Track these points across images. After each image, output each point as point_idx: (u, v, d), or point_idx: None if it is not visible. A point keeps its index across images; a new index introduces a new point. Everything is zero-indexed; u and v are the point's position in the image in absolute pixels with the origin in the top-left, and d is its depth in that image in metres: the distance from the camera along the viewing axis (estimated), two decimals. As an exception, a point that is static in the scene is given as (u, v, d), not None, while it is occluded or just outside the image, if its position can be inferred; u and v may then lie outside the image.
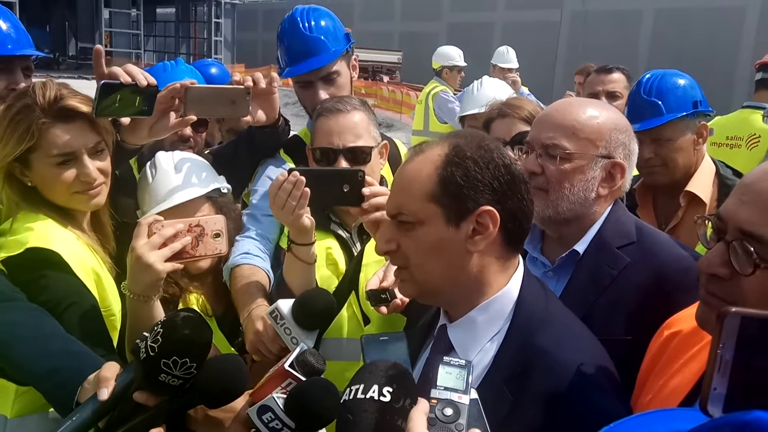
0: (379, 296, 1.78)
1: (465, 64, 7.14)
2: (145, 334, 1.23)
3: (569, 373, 1.22)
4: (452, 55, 7.06)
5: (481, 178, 1.26)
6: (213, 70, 3.45)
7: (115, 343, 1.77)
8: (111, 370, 1.24)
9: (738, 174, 2.44)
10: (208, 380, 1.23)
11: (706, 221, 1.12)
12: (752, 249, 0.96)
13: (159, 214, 1.79)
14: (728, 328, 0.72)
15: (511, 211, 1.28)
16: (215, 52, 33.78)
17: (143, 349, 1.20)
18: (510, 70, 7.09)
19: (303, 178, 1.74)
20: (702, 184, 2.41)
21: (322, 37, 2.30)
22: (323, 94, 2.24)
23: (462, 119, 3.46)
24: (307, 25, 2.31)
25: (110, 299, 1.79)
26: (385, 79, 24.58)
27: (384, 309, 1.80)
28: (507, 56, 7.19)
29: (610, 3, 21.69)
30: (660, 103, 2.44)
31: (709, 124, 2.53)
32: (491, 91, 3.37)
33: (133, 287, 1.63)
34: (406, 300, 1.74)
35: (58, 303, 1.62)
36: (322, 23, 2.34)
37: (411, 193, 1.29)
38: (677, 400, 1.16)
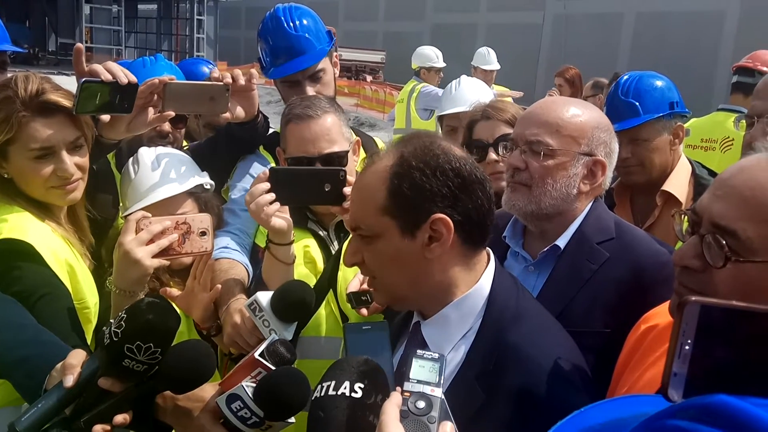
0: (359, 298, 1.79)
1: (443, 65, 7.12)
2: (111, 320, 1.23)
3: (540, 369, 1.23)
4: (430, 55, 7.05)
5: (429, 187, 1.25)
6: (205, 69, 3.40)
7: (89, 336, 1.76)
8: (77, 357, 1.23)
9: (713, 174, 2.48)
10: (174, 365, 1.22)
11: (683, 216, 1.14)
12: (724, 242, 0.98)
13: (142, 209, 1.79)
14: (688, 316, 0.73)
15: (466, 214, 1.27)
16: (197, 49, 33.51)
17: (107, 335, 1.19)
18: (491, 72, 7.11)
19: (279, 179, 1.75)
20: (678, 184, 2.45)
21: (307, 35, 2.30)
22: (311, 92, 2.25)
23: (440, 119, 3.47)
24: (291, 24, 2.31)
25: (85, 292, 1.78)
26: (369, 78, 24.57)
27: (364, 311, 1.80)
28: (488, 58, 7.20)
29: (592, 6, 21.88)
30: (637, 104, 2.47)
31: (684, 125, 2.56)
32: (469, 90, 3.38)
33: (119, 282, 1.64)
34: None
35: (30, 294, 1.61)
36: (306, 22, 2.34)
37: (365, 207, 1.30)
38: (651, 392, 1.18)
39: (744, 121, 1.97)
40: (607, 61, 17.46)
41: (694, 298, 0.74)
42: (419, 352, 1.11)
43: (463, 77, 3.63)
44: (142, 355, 1.18)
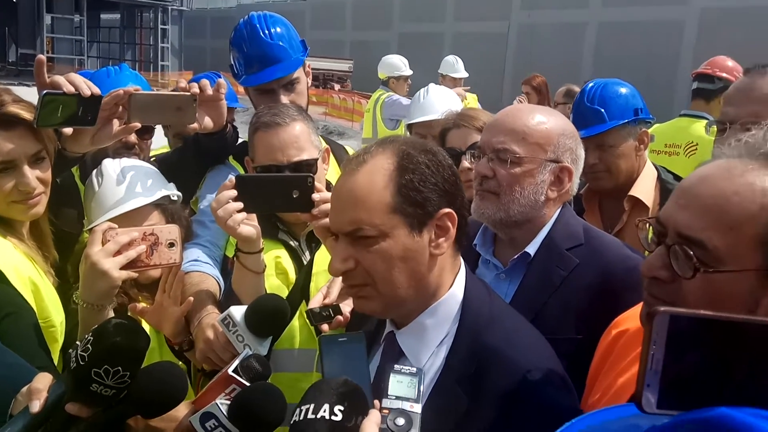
0: (320, 315, 1.74)
1: (411, 72, 7.10)
2: (77, 343, 1.19)
3: (520, 369, 1.24)
4: (397, 64, 7.02)
5: (435, 181, 1.27)
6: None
7: (56, 356, 1.71)
8: (43, 381, 1.19)
9: (678, 178, 2.53)
10: (143, 389, 1.19)
11: (647, 224, 1.14)
12: (692, 253, 0.98)
13: (108, 221, 1.75)
14: (658, 326, 0.74)
15: (460, 211, 1.30)
16: (162, 58, 33.15)
17: (73, 359, 1.15)
18: (460, 79, 7.16)
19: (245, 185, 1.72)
20: (644, 189, 2.49)
21: (281, 43, 2.30)
22: (284, 100, 2.24)
23: (409, 127, 3.48)
24: (267, 32, 2.30)
25: (50, 310, 1.73)
26: (337, 87, 24.58)
27: (325, 326, 1.77)
28: (456, 66, 7.25)
29: (556, 16, 22.26)
30: (603, 110, 2.52)
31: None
32: (437, 98, 3.40)
33: (86, 296, 1.59)
34: (348, 316, 1.72)
35: None
36: (280, 30, 2.33)
37: (368, 206, 1.25)
38: (624, 399, 1.18)
39: (715, 127, 2.00)
40: (571, 69, 17.77)
41: (663, 309, 0.74)
42: (396, 367, 1.10)
43: (432, 85, 3.64)
44: (110, 380, 1.14)
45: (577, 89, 5.55)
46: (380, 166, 1.27)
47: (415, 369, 1.10)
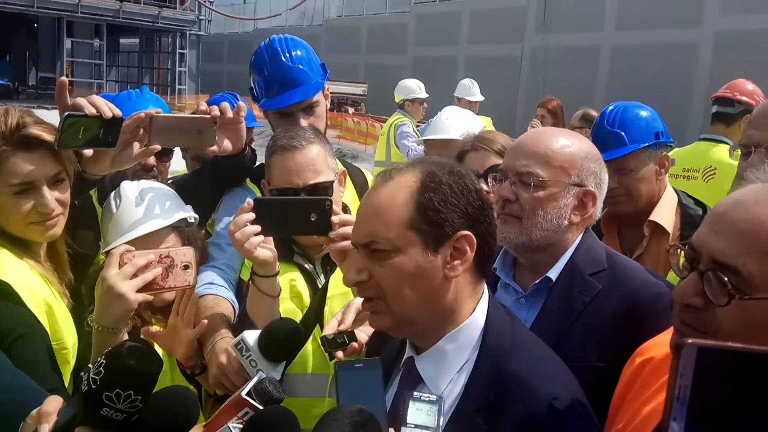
0: (335, 341, 1.72)
1: (426, 96, 7.16)
2: (89, 365, 1.18)
3: (542, 398, 1.22)
4: (413, 87, 7.08)
5: (457, 203, 1.26)
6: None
7: (67, 378, 1.70)
8: (53, 404, 1.17)
9: (699, 203, 2.49)
10: (155, 414, 1.16)
11: (678, 250, 1.12)
12: (726, 279, 0.96)
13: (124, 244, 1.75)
14: (686, 358, 0.73)
15: (483, 236, 1.29)
16: (179, 82, 33.65)
17: (85, 382, 1.13)
18: (476, 103, 7.18)
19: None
20: (665, 214, 2.45)
21: (301, 66, 2.31)
22: (304, 123, 2.25)
23: (425, 144, 3.51)
24: (288, 55, 2.31)
25: (63, 332, 1.72)
26: (351, 110, 24.76)
27: (340, 353, 1.75)
28: (472, 89, 7.27)
29: (569, 39, 22.39)
30: (623, 134, 2.49)
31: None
32: (455, 119, 3.42)
33: (101, 319, 1.59)
34: (364, 343, 1.70)
35: (6, 335, 1.55)
36: (301, 53, 2.35)
37: (386, 220, 1.27)
38: (650, 428, 1.15)
39: (739, 150, 1.97)
40: (585, 93, 17.81)
41: (690, 341, 0.73)
42: (416, 394, 1.08)
43: (451, 107, 3.67)
44: (122, 404, 1.11)
45: (595, 113, 5.55)
46: (404, 183, 1.28)
47: (435, 397, 1.08)
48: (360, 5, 33.72)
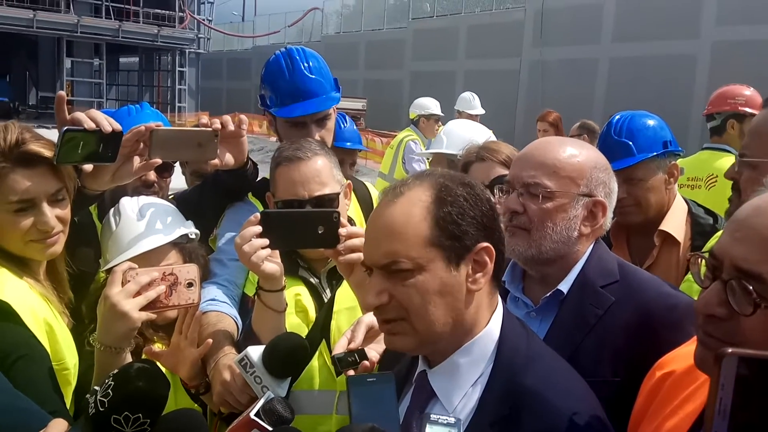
0: (346, 360, 1.69)
1: (442, 114, 7.10)
2: (95, 387, 1.15)
3: (558, 413, 1.18)
4: (428, 105, 7.07)
5: (473, 215, 1.24)
6: None
7: (68, 400, 1.66)
8: (58, 427, 1.14)
9: (709, 212, 2.47)
10: None
11: (699, 259, 1.09)
12: (751, 288, 0.93)
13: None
14: (726, 369, 0.71)
15: (497, 245, 1.27)
16: (179, 100, 33.85)
17: (92, 404, 1.11)
18: (476, 116, 7.17)
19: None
20: (675, 223, 2.43)
21: (319, 78, 2.31)
22: (315, 135, 2.24)
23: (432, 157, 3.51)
24: (307, 65, 2.32)
25: (64, 352, 1.68)
26: (351, 125, 24.81)
27: (351, 372, 1.71)
28: (473, 103, 7.29)
29: (567, 52, 22.51)
30: (631, 143, 2.46)
31: (674, 164, 2.56)
32: (461, 130, 3.41)
33: (104, 338, 1.57)
34: (375, 361, 1.66)
35: (6, 356, 1.51)
36: (319, 65, 2.36)
37: (405, 238, 1.22)
38: (674, 442, 1.12)
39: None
40: (583, 105, 17.90)
41: (731, 350, 0.71)
42: (433, 416, 1.04)
43: (454, 121, 3.66)
44: (130, 427, 1.10)
45: (593, 124, 5.56)
46: (417, 198, 1.24)
47: (453, 420, 1.05)
48: (358, 22, 34.01)
